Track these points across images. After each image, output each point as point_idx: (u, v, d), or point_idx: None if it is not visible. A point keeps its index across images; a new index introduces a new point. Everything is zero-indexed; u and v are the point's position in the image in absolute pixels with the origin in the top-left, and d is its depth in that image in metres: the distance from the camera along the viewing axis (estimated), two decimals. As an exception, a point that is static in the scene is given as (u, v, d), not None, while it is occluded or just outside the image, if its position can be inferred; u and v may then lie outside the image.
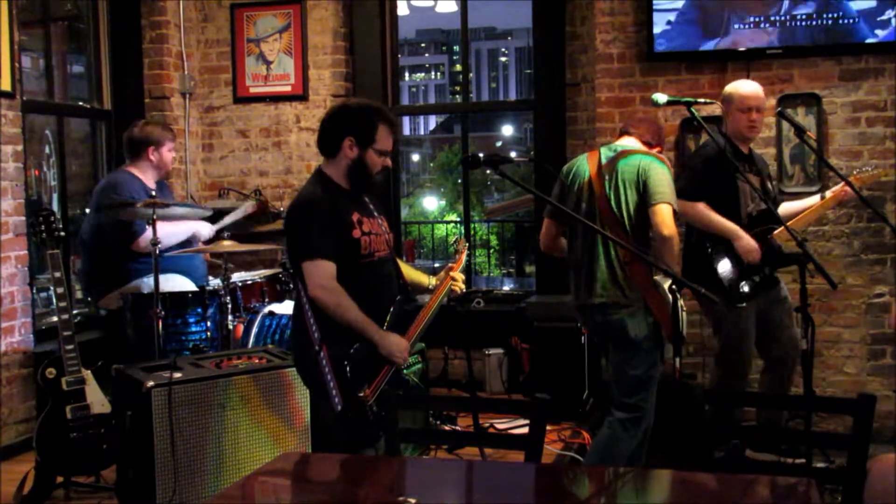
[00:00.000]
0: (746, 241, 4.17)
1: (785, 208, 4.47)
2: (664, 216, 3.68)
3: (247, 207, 5.27)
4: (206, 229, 4.86)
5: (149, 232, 4.41)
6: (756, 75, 4.98)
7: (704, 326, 5.14)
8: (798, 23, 5.02)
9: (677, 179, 4.65)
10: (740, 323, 4.29)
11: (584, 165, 3.94)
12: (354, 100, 3.41)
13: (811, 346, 3.78)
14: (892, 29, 4.92)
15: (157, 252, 4.18)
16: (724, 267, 4.21)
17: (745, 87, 4.35)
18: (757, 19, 5.05)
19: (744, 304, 4.22)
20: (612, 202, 3.78)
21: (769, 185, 4.40)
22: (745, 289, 4.19)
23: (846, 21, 4.97)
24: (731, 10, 5.08)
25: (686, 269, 4.41)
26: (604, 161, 3.88)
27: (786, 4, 5.02)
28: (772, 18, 5.04)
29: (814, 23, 5.00)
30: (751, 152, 4.41)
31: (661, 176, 3.75)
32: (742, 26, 5.07)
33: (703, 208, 4.22)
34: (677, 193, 4.37)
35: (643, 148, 3.91)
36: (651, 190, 3.72)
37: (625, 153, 3.86)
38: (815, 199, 4.48)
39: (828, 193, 4.44)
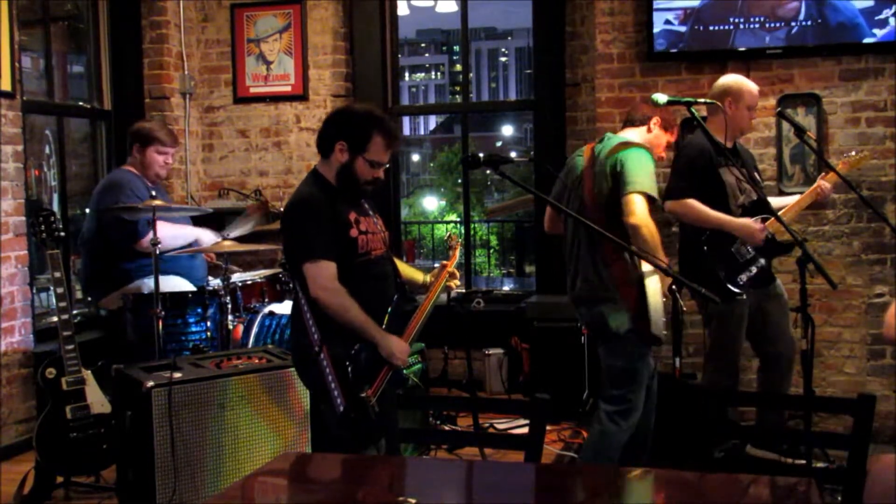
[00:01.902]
0: (745, 225, 4.15)
1: (773, 203, 4.45)
2: (631, 205, 3.62)
3: (254, 223, 5.26)
4: (208, 237, 4.84)
5: (150, 233, 4.41)
6: (756, 75, 4.98)
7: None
8: (798, 23, 5.02)
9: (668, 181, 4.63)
10: (732, 319, 4.28)
11: (580, 158, 3.94)
12: (360, 105, 3.38)
13: (811, 346, 3.78)
14: (891, 28, 4.92)
15: (158, 252, 4.18)
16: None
17: (751, 83, 4.34)
18: (760, 20, 5.05)
19: (742, 296, 4.20)
20: (598, 196, 3.76)
21: (756, 177, 4.38)
22: (742, 280, 4.19)
23: (844, 20, 4.97)
24: (733, 11, 5.08)
25: (682, 265, 4.41)
26: (596, 153, 3.86)
27: (787, 5, 5.03)
28: (774, 19, 5.04)
29: (812, 23, 5.00)
30: (735, 147, 4.39)
31: (637, 164, 3.68)
32: (745, 26, 5.07)
33: (694, 204, 4.20)
34: (666, 195, 4.37)
35: (636, 139, 3.87)
36: (624, 179, 3.66)
37: (613, 143, 3.84)
38: (795, 198, 4.46)
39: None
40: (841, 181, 4.28)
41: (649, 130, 3.92)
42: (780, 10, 5.03)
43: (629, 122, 3.98)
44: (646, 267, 3.64)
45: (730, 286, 4.16)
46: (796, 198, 4.46)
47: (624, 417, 3.77)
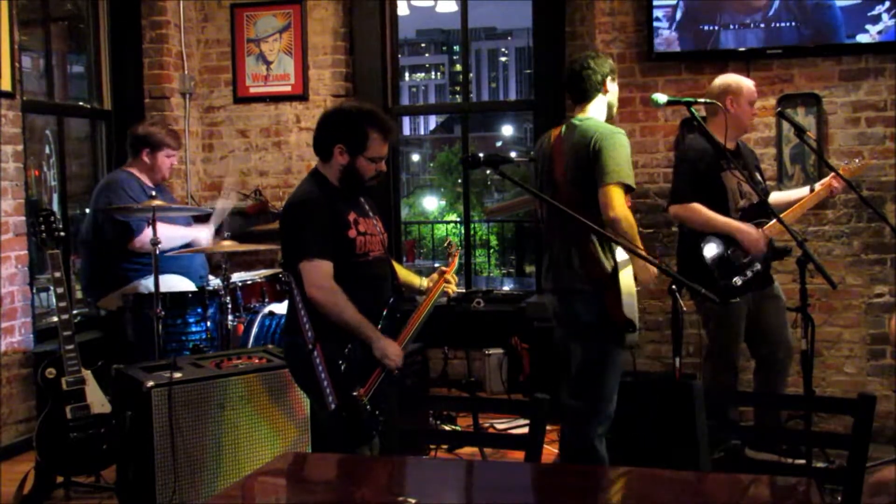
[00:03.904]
0: (748, 233, 4.15)
1: (774, 198, 4.45)
2: (610, 197, 3.48)
3: (231, 198, 5.24)
4: (205, 235, 4.82)
5: (147, 231, 4.41)
6: (756, 75, 4.98)
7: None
8: (783, 23, 5.02)
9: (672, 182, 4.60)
10: (730, 320, 4.27)
11: (549, 140, 3.81)
12: (349, 104, 3.38)
13: (811, 346, 3.78)
14: (891, 29, 4.92)
15: (157, 252, 4.18)
16: (712, 252, 4.18)
17: (747, 80, 4.34)
18: (745, 20, 5.06)
19: (736, 300, 4.20)
20: (569, 179, 3.64)
21: (758, 178, 4.38)
22: (738, 283, 4.19)
23: (832, 20, 4.97)
24: (719, 11, 5.09)
25: (679, 266, 4.41)
26: (563, 133, 3.74)
27: (770, 4, 5.03)
28: (757, 18, 5.05)
29: (798, 23, 5.01)
30: (738, 146, 4.38)
31: (616, 151, 3.53)
32: (731, 26, 5.07)
33: (698, 208, 4.20)
34: (671, 198, 4.36)
35: (600, 114, 3.74)
36: (602, 168, 3.51)
37: (581, 122, 3.71)
38: (804, 191, 4.45)
39: (817, 186, 4.41)
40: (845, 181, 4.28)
41: (606, 92, 3.76)
42: (770, 8, 5.04)
43: (584, 98, 3.76)
44: (620, 255, 3.54)
45: (725, 289, 4.15)
46: (796, 194, 4.45)
47: (594, 415, 3.65)
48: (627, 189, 3.55)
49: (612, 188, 3.50)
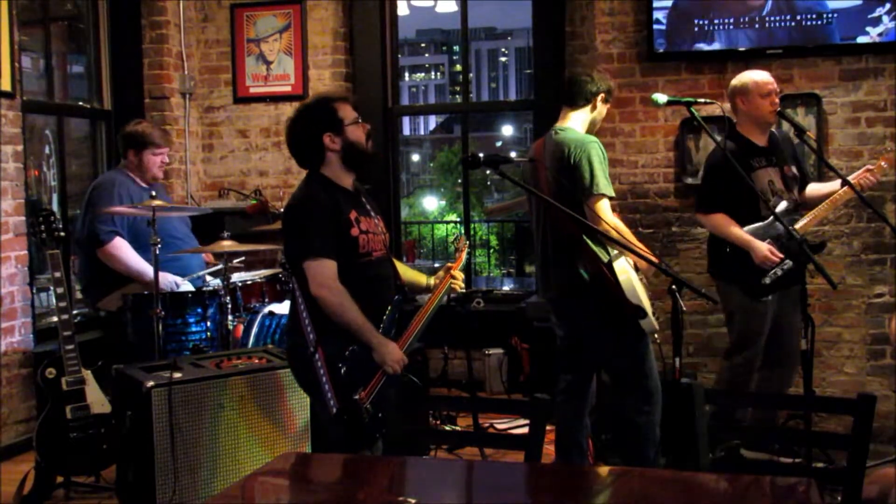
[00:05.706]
0: (758, 251, 4.15)
1: (811, 190, 4.45)
2: (596, 211, 3.59)
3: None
4: (166, 281, 4.58)
5: (116, 243, 4.42)
6: (756, 75, 4.98)
7: (706, 326, 5.15)
8: (775, 23, 5.02)
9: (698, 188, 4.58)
10: (755, 316, 4.27)
11: (533, 152, 3.93)
12: (299, 107, 3.45)
13: (811, 346, 3.78)
14: (891, 29, 4.92)
15: (157, 252, 4.18)
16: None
17: (757, 74, 4.32)
18: (740, 19, 5.07)
19: (767, 298, 4.20)
20: (554, 189, 3.70)
21: (790, 173, 4.34)
22: (766, 281, 4.19)
23: (811, 4, 4.97)
24: (712, 11, 5.09)
25: (710, 262, 4.41)
26: (545, 144, 3.83)
27: (763, 4, 5.03)
28: (752, 18, 5.05)
29: (790, 23, 5.01)
30: (771, 138, 4.35)
31: (595, 163, 3.63)
32: (728, 26, 5.08)
33: (720, 221, 4.22)
34: (696, 205, 4.37)
35: (580, 124, 3.83)
36: (584, 182, 3.61)
37: (557, 133, 3.80)
38: (836, 185, 4.38)
39: (851, 178, 4.27)
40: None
41: (594, 108, 3.87)
42: (762, 9, 5.05)
43: (571, 103, 3.88)
44: (612, 250, 3.66)
45: (755, 286, 4.16)
46: (830, 187, 4.40)
47: (648, 402, 3.74)
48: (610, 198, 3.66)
49: (596, 201, 3.62)
